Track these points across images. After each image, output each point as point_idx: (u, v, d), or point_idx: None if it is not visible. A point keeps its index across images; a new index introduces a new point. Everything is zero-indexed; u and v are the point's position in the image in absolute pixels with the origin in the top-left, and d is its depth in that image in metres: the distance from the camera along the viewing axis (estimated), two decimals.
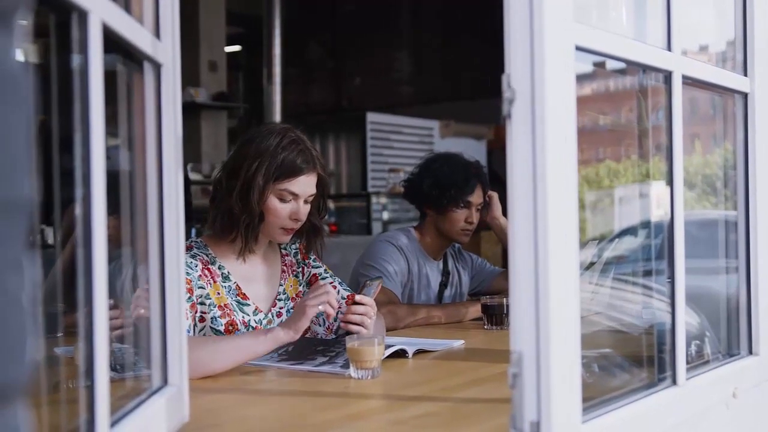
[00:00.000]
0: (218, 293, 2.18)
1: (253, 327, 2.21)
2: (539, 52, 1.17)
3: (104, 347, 1.03)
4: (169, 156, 1.38)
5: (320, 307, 1.98)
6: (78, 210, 1.02)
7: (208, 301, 2.15)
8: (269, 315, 2.28)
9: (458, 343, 2.35)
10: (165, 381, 1.38)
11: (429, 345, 2.25)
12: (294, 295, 2.36)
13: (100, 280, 1.03)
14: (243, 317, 2.20)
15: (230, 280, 2.22)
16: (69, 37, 1.02)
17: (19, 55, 0.57)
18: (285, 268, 2.38)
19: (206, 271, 2.18)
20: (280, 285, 2.35)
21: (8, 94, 0.54)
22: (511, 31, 1.18)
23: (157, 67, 1.35)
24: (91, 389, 1.02)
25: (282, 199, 2.20)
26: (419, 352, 2.18)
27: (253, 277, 2.29)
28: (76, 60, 1.03)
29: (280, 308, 2.32)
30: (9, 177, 0.55)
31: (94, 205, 1.02)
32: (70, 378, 1.48)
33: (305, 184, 2.22)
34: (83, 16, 1.00)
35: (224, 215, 2.21)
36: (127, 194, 1.37)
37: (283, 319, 2.26)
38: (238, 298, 2.22)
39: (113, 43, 1.13)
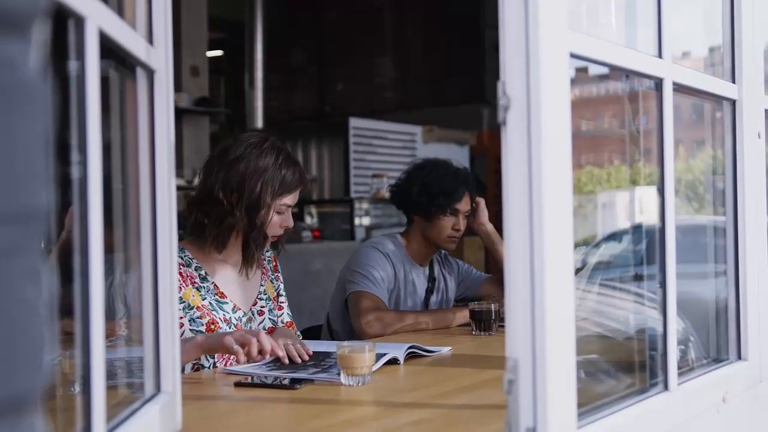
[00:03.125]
0: (193, 295, 2.24)
1: (234, 324, 2.29)
2: (534, 60, 1.17)
3: (101, 355, 1.02)
4: (162, 162, 1.37)
5: (235, 347, 1.94)
6: (74, 216, 1.02)
7: (182, 305, 2.20)
8: (249, 313, 2.37)
9: (446, 350, 2.35)
10: (158, 389, 1.37)
11: (420, 348, 2.25)
12: (273, 297, 2.47)
13: (96, 288, 1.02)
14: (223, 315, 2.28)
15: (208, 281, 2.29)
16: (65, 42, 1.02)
17: (36, 64, 0.57)
18: (264, 270, 2.48)
19: (178, 275, 2.19)
20: (261, 285, 2.44)
21: (27, 103, 0.54)
22: (507, 39, 1.19)
23: (150, 73, 1.34)
24: (87, 397, 1.01)
25: (278, 212, 2.31)
26: (411, 357, 2.19)
27: (233, 278, 2.36)
28: (72, 65, 1.02)
29: (262, 307, 2.42)
30: (28, 186, 0.54)
31: (90, 212, 1.01)
32: (60, 386, 1.47)
33: (297, 195, 2.36)
34: (80, 22, 1.00)
35: (227, 231, 2.27)
36: (119, 200, 1.36)
37: (266, 317, 2.40)
38: (217, 297, 2.29)
39: (107, 48, 1.12)
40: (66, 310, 1.05)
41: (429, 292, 3.15)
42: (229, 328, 2.27)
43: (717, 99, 1.85)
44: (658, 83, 1.53)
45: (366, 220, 7.59)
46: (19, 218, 0.54)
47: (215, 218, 2.25)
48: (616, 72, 1.62)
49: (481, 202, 3.15)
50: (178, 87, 7.46)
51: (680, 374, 1.57)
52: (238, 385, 1.88)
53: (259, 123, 8.68)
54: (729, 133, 1.86)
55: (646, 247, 1.80)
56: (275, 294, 2.49)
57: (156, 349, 1.37)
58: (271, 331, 2.41)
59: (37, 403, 0.57)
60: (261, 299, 2.42)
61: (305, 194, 7.95)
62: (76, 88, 1.02)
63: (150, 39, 1.35)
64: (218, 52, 10.23)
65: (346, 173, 8.21)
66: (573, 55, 1.25)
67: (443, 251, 3.21)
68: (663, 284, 1.54)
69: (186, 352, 1.99)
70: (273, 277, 2.50)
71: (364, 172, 8.15)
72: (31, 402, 0.55)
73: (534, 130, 1.16)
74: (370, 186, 7.88)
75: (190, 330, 2.20)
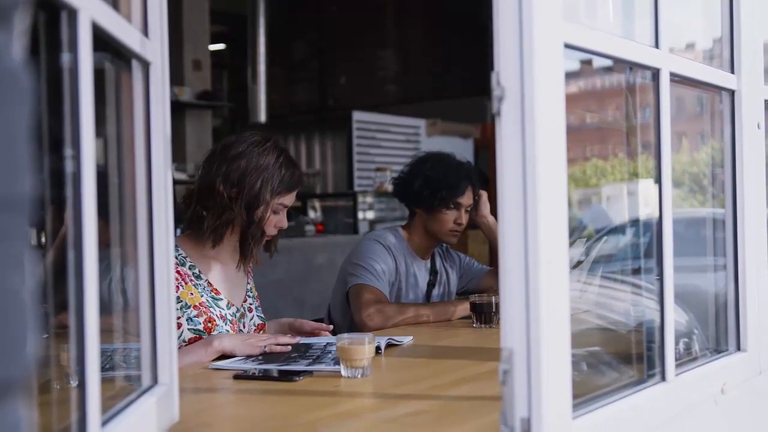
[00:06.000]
0: (191, 294, 2.28)
1: (229, 320, 2.33)
2: (528, 50, 1.17)
3: (95, 348, 1.03)
4: (158, 155, 1.37)
5: (266, 349, 2.14)
6: (67, 210, 1.02)
7: (179, 304, 2.22)
8: (241, 309, 2.41)
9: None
10: (155, 380, 1.37)
11: (389, 339, 2.31)
12: (256, 296, 2.52)
13: (91, 280, 1.02)
14: (219, 312, 2.31)
15: (202, 279, 2.32)
16: (58, 35, 1.02)
17: (18, 53, 0.57)
18: (249, 270, 2.51)
19: (176, 274, 2.24)
20: (248, 283, 2.49)
21: (9, 92, 0.54)
22: (500, 29, 1.18)
23: (145, 65, 1.35)
24: (82, 389, 1.01)
25: (274, 212, 2.34)
26: (389, 346, 2.24)
27: (224, 275, 2.39)
28: (65, 58, 1.02)
29: (250, 304, 2.47)
30: (12, 174, 0.55)
31: (84, 206, 1.01)
32: (57, 379, 1.47)
33: (294, 197, 2.39)
34: (73, 14, 1.00)
35: (224, 225, 2.30)
36: (116, 195, 1.36)
37: (254, 314, 2.45)
38: (212, 294, 2.32)
39: (101, 41, 1.12)
40: (65, 304, 1.05)
41: (431, 285, 3.15)
42: (225, 324, 2.29)
43: (716, 90, 1.85)
44: (655, 74, 1.53)
45: (369, 214, 7.59)
46: (2, 206, 0.54)
47: (214, 211, 2.28)
48: (620, 63, 1.61)
49: (484, 194, 3.15)
50: (180, 81, 7.47)
51: (678, 365, 1.57)
52: (236, 377, 1.89)
53: (262, 117, 8.69)
54: (728, 124, 1.85)
55: (649, 240, 1.80)
56: (257, 292, 2.54)
57: (153, 341, 1.37)
58: (260, 327, 2.47)
59: (20, 390, 0.57)
60: (249, 296, 2.47)
61: (308, 188, 7.97)
62: (69, 81, 1.02)
63: (145, 31, 1.35)
64: (221, 46, 10.23)
65: (349, 167, 8.21)
66: (567, 46, 1.25)
67: (445, 244, 3.21)
68: (660, 275, 1.54)
69: (209, 356, 2.10)
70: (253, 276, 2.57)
71: (367, 166, 8.14)
72: (13, 388, 0.56)
73: (528, 121, 1.16)
74: (374, 180, 7.88)
75: (189, 330, 2.22)
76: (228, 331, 2.29)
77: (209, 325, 2.26)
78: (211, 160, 2.33)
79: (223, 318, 2.30)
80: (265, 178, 2.28)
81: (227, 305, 2.34)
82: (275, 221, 2.35)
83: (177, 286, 2.22)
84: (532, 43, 1.16)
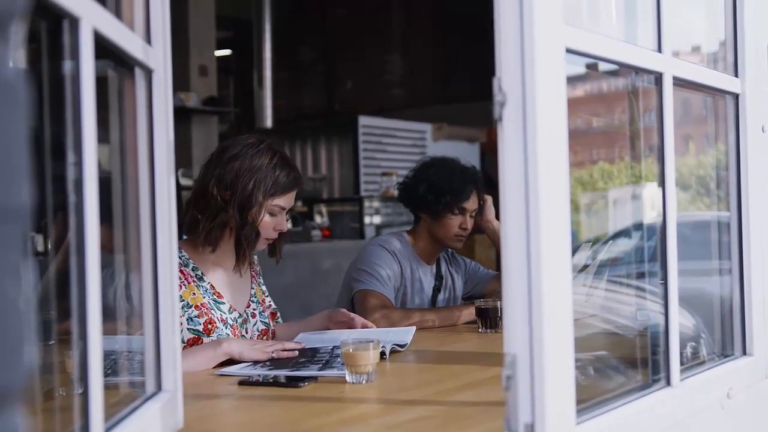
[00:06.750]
0: (193, 294, 2.28)
1: (230, 324, 2.33)
2: (529, 55, 1.17)
3: (98, 354, 1.03)
4: (161, 162, 1.37)
5: (273, 354, 2.13)
6: (71, 217, 1.02)
7: (181, 303, 2.22)
8: (244, 314, 2.40)
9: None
10: (159, 387, 1.37)
11: (394, 334, 2.33)
12: (261, 300, 2.50)
13: (93, 287, 1.02)
14: (220, 315, 2.31)
15: (205, 281, 2.33)
16: (60, 43, 1.02)
17: (15, 62, 0.57)
18: (254, 274, 2.51)
19: (179, 274, 2.25)
20: (252, 288, 2.48)
21: (5, 101, 0.55)
22: (502, 34, 1.19)
23: (148, 72, 1.35)
24: (85, 396, 1.01)
25: (271, 214, 2.33)
26: (393, 352, 2.24)
27: (227, 280, 2.39)
28: (67, 66, 1.03)
29: (253, 310, 2.45)
30: (8, 183, 0.55)
31: (86, 213, 1.01)
32: (63, 385, 1.48)
33: (292, 198, 2.38)
34: (75, 22, 1.00)
35: (219, 228, 2.30)
36: (119, 201, 1.36)
37: (258, 320, 2.43)
38: (214, 297, 2.33)
39: (104, 48, 1.13)
40: (70, 311, 1.06)
41: (436, 290, 3.15)
42: (226, 328, 2.29)
43: (720, 93, 1.84)
44: (658, 78, 1.53)
45: (376, 219, 7.58)
46: (1, 215, 0.54)
47: (208, 214, 2.28)
48: (624, 67, 1.61)
49: (489, 199, 3.14)
50: (186, 87, 7.47)
51: (684, 370, 1.57)
52: (241, 383, 1.89)
53: (268, 122, 8.69)
54: (732, 127, 1.85)
55: (655, 244, 1.79)
56: (263, 297, 2.53)
57: (157, 347, 1.37)
58: (264, 333, 2.46)
59: (17, 399, 0.57)
60: (253, 301, 2.46)
61: (315, 193, 7.97)
62: (71, 88, 1.03)
63: (148, 39, 1.36)
64: (226, 52, 10.24)
65: (355, 172, 8.21)
66: (569, 50, 1.25)
67: (450, 249, 3.21)
68: (665, 279, 1.54)
69: (217, 357, 2.09)
70: (260, 281, 2.55)
71: (373, 171, 8.14)
72: (11, 397, 0.56)
73: (530, 126, 1.16)
74: (380, 184, 7.87)
75: (188, 329, 2.23)
76: (228, 334, 2.28)
77: (209, 326, 2.25)
78: (208, 164, 2.35)
79: (224, 321, 2.30)
80: (258, 179, 2.28)
81: (229, 309, 2.34)
82: (274, 224, 2.34)
83: (179, 285, 2.22)
84: (533, 48, 1.16)
